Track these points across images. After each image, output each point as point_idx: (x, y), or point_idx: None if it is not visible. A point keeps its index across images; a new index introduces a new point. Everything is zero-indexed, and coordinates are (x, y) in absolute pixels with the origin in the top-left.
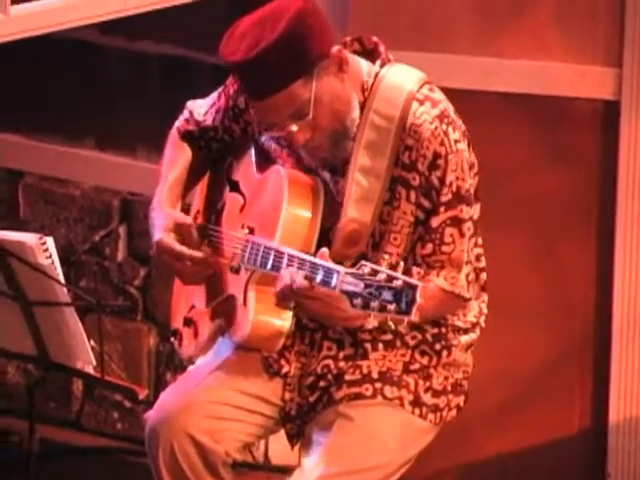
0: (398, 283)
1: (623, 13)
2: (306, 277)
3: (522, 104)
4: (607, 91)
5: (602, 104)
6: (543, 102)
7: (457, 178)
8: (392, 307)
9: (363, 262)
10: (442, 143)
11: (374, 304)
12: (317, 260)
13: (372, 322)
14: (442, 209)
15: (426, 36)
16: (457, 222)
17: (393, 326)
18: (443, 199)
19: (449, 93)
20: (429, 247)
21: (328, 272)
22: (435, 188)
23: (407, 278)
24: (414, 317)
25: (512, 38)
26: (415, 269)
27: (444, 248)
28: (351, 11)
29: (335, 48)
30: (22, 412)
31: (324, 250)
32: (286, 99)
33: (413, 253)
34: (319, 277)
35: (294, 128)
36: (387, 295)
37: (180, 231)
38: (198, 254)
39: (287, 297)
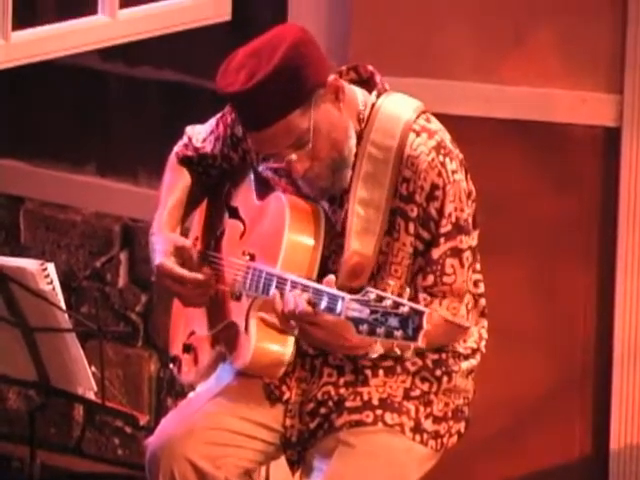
0: (404, 309)
1: (624, 40)
2: (309, 302)
3: (523, 130)
4: (608, 117)
5: (603, 130)
6: (544, 128)
7: (456, 209)
8: (399, 333)
9: (369, 288)
10: (439, 174)
11: (380, 330)
12: (321, 286)
13: (378, 349)
14: (442, 240)
15: (427, 62)
16: (457, 252)
17: (399, 352)
18: (443, 230)
19: (450, 119)
20: (430, 279)
21: (333, 298)
22: (433, 219)
23: (413, 304)
24: (421, 343)
25: (513, 65)
26: (421, 295)
27: (445, 279)
28: (352, 37)
29: (331, 77)
30: (23, 438)
31: (331, 277)
32: (285, 129)
33: (414, 285)
34: (323, 303)
35: (294, 157)
36: (393, 321)
37: (180, 254)
38: (199, 276)
39: (290, 321)
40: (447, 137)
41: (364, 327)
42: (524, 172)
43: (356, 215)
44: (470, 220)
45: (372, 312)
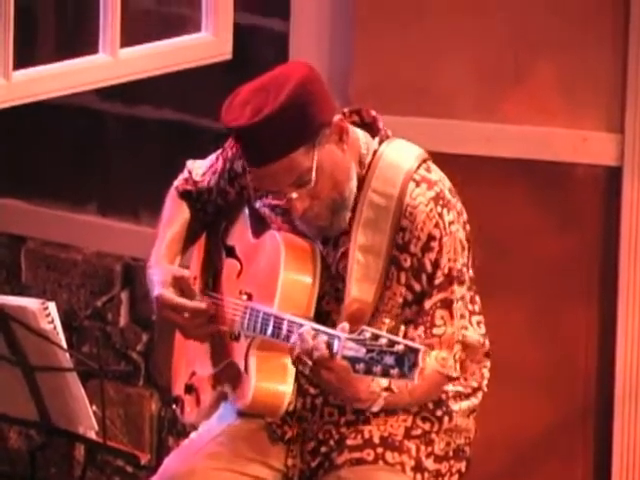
0: (400, 347)
1: (625, 79)
2: (328, 346)
3: (524, 169)
4: (609, 157)
5: (604, 170)
6: (545, 167)
7: (449, 260)
8: (395, 371)
9: (364, 327)
10: (437, 225)
11: (377, 369)
12: (318, 326)
13: (380, 403)
14: (435, 292)
15: (428, 101)
16: (447, 304)
17: (396, 390)
18: (436, 282)
19: (451, 159)
20: (421, 329)
21: (329, 337)
22: (426, 271)
23: (409, 342)
24: (417, 380)
25: (514, 104)
26: (416, 332)
27: (435, 330)
28: (353, 77)
29: (337, 117)
30: (24, 477)
31: (345, 325)
32: (288, 166)
33: (404, 336)
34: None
35: (294, 195)
36: (389, 359)
37: (178, 284)
38: (199, 305)
39: (304, 361)
40: (447, 187)
41: (361, 366)
42: (525, 211)
43: (357, 262)
44: (464, 270)
45: (368, 351)
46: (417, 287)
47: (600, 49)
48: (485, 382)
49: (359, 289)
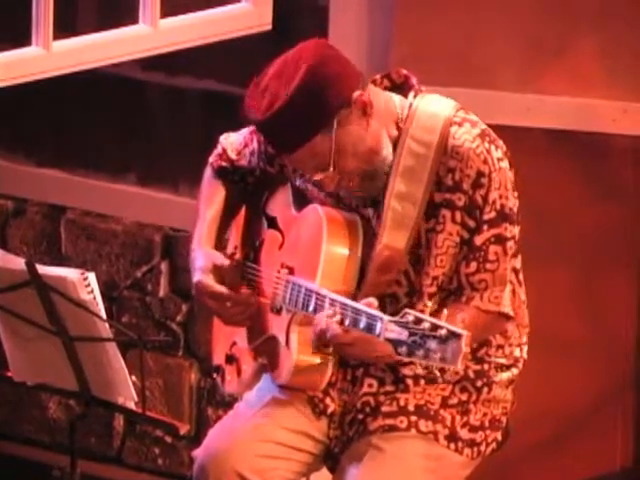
0: (443, 332)
1: None
2: (341, 322)
3: (564, 140)
4: None
5: None
6: (585, 138)
7: (500, 196)
8: (437, 356)
9: (407, 310)
10: (485, 161)
11: (419, 353)
12: (360, 306)
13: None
14: (485, 227)
15: (468, 72)
16: (501, 240)
17: (439, 374)
18: (486, 217)
19: (492, 129)
20: (473, 265)
21: (371, 319)
22: (479, 207)
23: (452, 327)
24: (460, 366)
25: (554, 74)
26: (460, 316)
27: (488, 266)
28: (393, 47)
29: (356, 93)
30: (63, 447)
31: (371, 300)
32: (308, 154)
33: (457, 272)
34: (362, 324)
35: (320, 176)
36: (432, 344)
37: (219, 272)
38: (238, 295)
39: (324, 342)
40: (489, 129)
41: (403, 349)
42: (565, 182)
43: (391, 209)
44: (515, 210)
45: (411, 334)
46: (472, 224)
47: None
48: (525, 348)
49: (392, 236)
